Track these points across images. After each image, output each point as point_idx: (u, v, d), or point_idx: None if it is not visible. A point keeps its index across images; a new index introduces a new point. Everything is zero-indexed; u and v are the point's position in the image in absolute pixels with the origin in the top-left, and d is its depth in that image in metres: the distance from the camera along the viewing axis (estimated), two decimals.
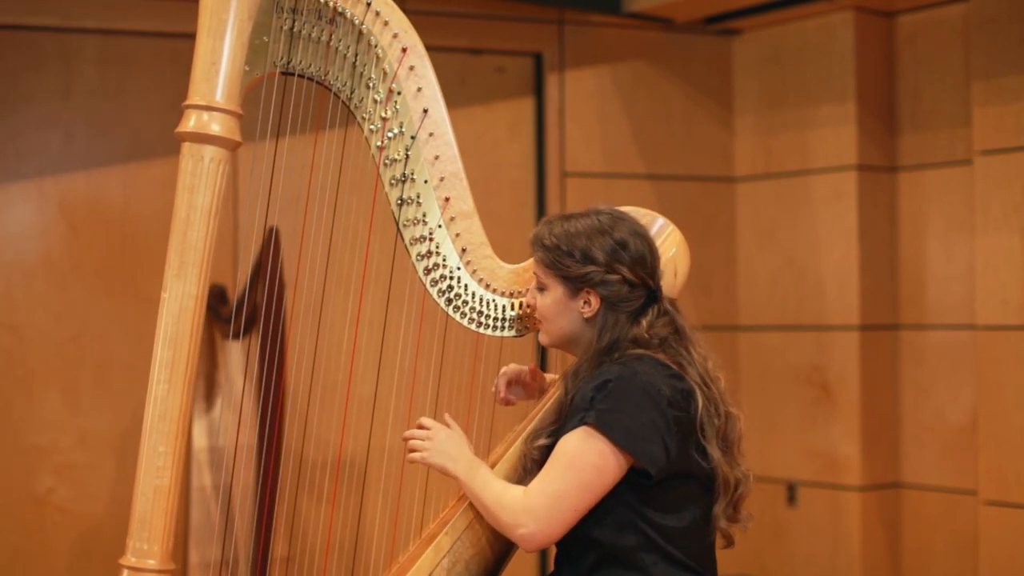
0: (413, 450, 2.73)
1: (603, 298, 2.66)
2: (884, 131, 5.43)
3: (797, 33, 5.56)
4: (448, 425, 2.76)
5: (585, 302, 2.67)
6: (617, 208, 2.76)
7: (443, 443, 2.71)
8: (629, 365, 2.59)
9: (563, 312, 2.70)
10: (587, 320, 2.68)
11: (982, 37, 4.99)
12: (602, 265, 2.64)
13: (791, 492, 5.53)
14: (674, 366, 2.65)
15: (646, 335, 2.65)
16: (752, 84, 5.75)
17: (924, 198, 5.35)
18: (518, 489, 2.64)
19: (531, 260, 2.86)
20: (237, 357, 4.64)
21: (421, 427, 2.75)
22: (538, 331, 2.81)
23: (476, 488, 2.67)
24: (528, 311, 2.84)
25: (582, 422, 2.56)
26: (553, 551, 2.76)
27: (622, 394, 2.55)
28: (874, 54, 5.42)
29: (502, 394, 2.95)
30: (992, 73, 4.95)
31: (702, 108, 5.74)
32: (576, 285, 2.67)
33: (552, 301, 2.70)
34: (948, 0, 5.24)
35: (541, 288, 2.73)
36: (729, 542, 2.73)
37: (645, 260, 2.68)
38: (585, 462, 2.56)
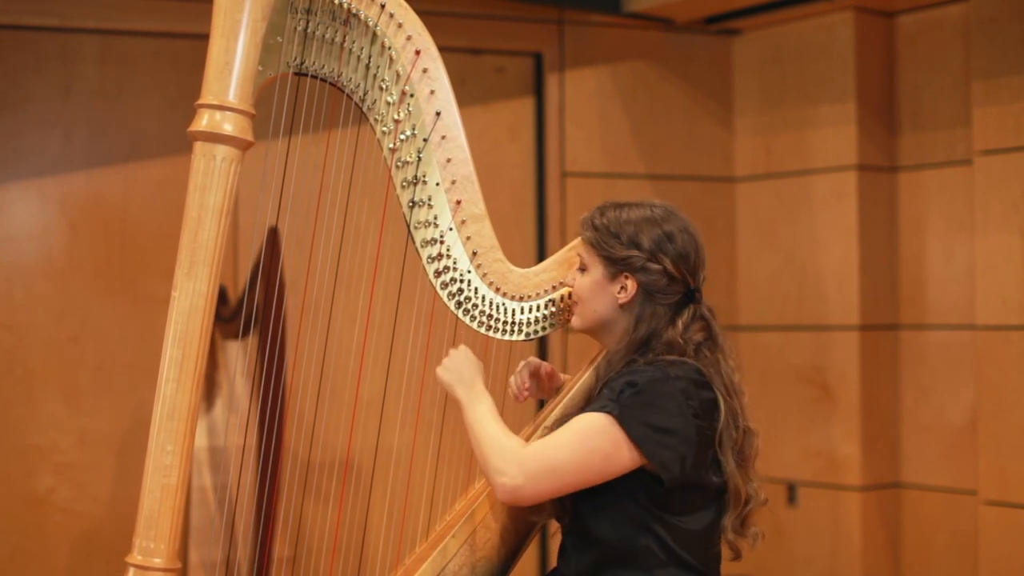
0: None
1: (641, 285, 2.66)
2: (884, 131, 5.43)
3: (797, 33, 5.56)
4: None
5: (622, 287, 2.67)
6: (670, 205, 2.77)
7: (459, 362, 2.74)
8: (663, 369, 2.58)
9: (599, 294, 2.70)
10: (621, 306, 2.68)
11: (982, 37, 5.00)
12: (646, 251, 2.65)
13: (791, 492, 5.53)
14: (703, 372, 2.64)
15: (680, 339, 2.64)
16: (752, 84, 5.75)
17: (924, 198, 5.36)
18: (517, 439, 2.63)
19: (543, 264, 2.87)
20: (237, 357, 4.63)
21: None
22: (549, 333, 2.81)
23: (474, 418, 2.67)
24: (541, 314, 2.84)
25: (604, 410, 2.56)
26: (555, 549, 2.76)
27: (651, 396, 2.54)
28: (874, 54, 5.42)
29: (526, 390, 2.94)
30: (992, 73, 4.95)
31: (702, 108, 5.75)
32: (616, 268, 2.67)
33: (590, 281, 2.70)
34: (948, 0, 5.25)
35: (582, 269, 2.73)
36: (737, 555, 2.72)
37: (689, 257, 2.68)
38: (596, 445, 2.55)
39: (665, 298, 2.67)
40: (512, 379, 2.95)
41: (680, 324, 2.66)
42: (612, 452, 2.54)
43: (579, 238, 2.77)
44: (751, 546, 2.71)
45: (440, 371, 2.75)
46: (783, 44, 5.62)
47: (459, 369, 2.74)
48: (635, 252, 2.65)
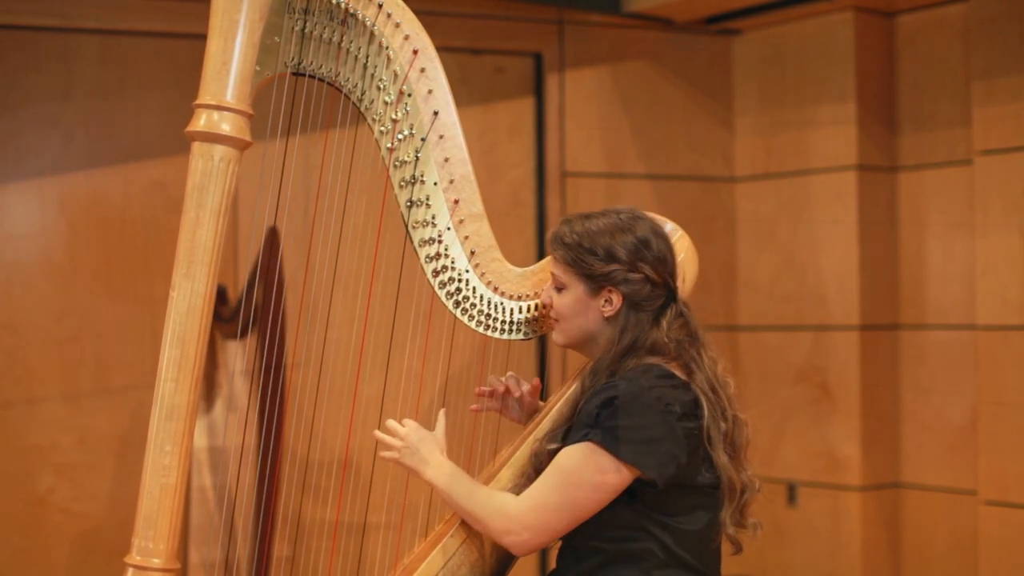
0: (387, 447, 2.75)
1: (625, 297, 2.66)
2: (884, 131, 5.43)
3: (797, 33, 5.56)
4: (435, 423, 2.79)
5: (606, 301, 2.67)
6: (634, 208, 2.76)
7: (412, 443, 2.72)
8: (636, 380, 2.58)
9: (583, 311, 2.69)
10: (607, 319, 2.68)
11: (982, 37, 5.00)
12: (625, 263, 2.64)
13: (791, 492, 5.53)
14: (682, 371, 2.64)
15: (665, 339, 2.65)
16: (752, 84, 5.75)
17: (924, 198, 5.35)
18: (502, 495, 2.67)
19: (540, 263, 2.86)
20: (237, 357, 4.64)
21: (401, 425, 2.77)
22: (547, 332, 2.81)
23: (453, 493, 2.68)
24: (539, 313, 2.84)
25: (585, 438, 2.56)
26: (554, 551, 2.76)
27: (628, 410, 2.54)
28: (874, 54, 5.42)
29: (498, 390, 2.94)
30: (992, 73, 4.95)
31: (702, 108, 5.74)
32: (598, 283, 2.66)
33: (572, 300, 2.69)
34: (948, 0, 5.25)
35: (559, 288, 2.71)
36: (738, 548, 2.72)
37: (666, 260, 2.68)
38: (582, 479, 2.56)
39: (650, 304, 2.67)
40: (491, 377, 2.95)
41: (664, 324, 2.66)
42: (600, 480, 2.56)
43: (549, 257, 2.76)
44: (752, 536, 2.71)
45: (401, 457, 2.73)
46: (783, 44, 5.62)
47: (416, 451, 2.72)
48: (615, 265, 2.64)
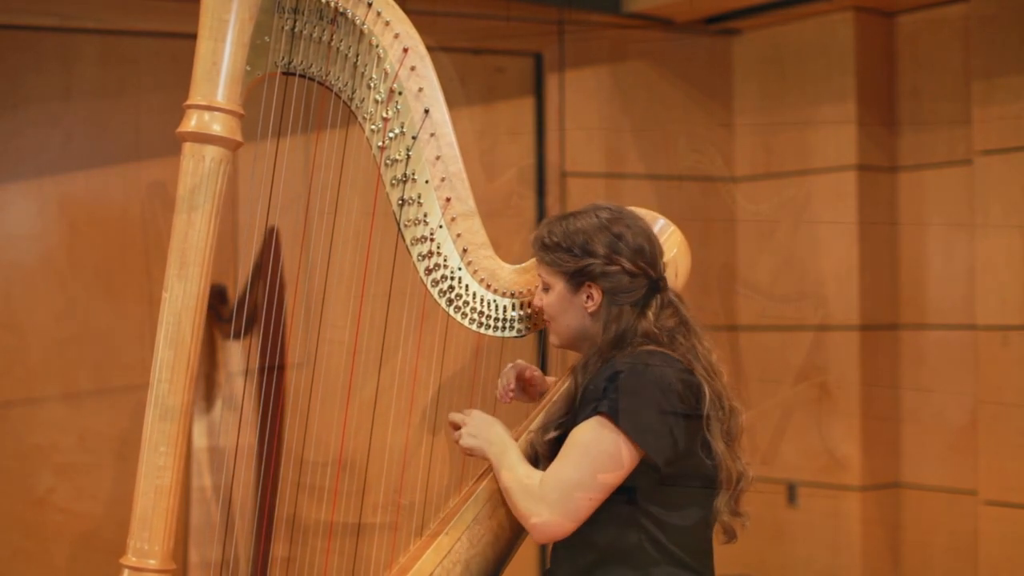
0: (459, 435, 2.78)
1: (605, 291, 2.67)
2: (884, 131, 5.42)
3: (797, 33, 5.55)
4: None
5: (588, 296, 2.69)
6: (617, 204, 2.77)
7: (476, 425, 2.74)
8: (640, 358, 2.61)
9: (567, 308, 2.72)
10: (591, 315, 2.70)
11: (982, 37, 5.00)
12: (601, 257, 2.66)
13: (791, 492, 5.53)
14: (682, 361, 2.65)
15: (655, 328, 2.66)
16: (752, 84, 5.75)
17: (924, 198, 5.35)
18: (537, 475, 2.65)
19: (533, 260, 2.87)
20: (237, 357, 4.64)
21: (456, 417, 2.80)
22: (544, 332, 2.83)
23: (501, 472, 2.69)
24: (531, 311, 2.85)
25: (595, 412, 2.57)
26: (551, 546, 2.77)
27: (633, 386, 2.57)
28: (874, 54, 5.41)
29: (511, 391, 2.95)
30: (992, 73, 4.95)
31: (702, 108, 5.74)
32: (577, 280, 2.69)
33: (556, 298, 2.72)
34: (948, 0, 5.24)
35: (546, 288, 2.74)
36: (731, 536, 2.73)
37: (644, 250, 2.69)
38: (600, 451, 2.57)
39: (630, 296, 2.68)
40: (499, 381, 2.96)
41: (651, 315, 2.68)
42: (615, 451, 2.57)
43: (534, 259, 2.78)
44: (742, 526, 2.72)
45: (463, 442, 2.76)
46: (783, 44, 5.62)
47: (478, 432, 2.74)
48: (589, 260, 2.67)
